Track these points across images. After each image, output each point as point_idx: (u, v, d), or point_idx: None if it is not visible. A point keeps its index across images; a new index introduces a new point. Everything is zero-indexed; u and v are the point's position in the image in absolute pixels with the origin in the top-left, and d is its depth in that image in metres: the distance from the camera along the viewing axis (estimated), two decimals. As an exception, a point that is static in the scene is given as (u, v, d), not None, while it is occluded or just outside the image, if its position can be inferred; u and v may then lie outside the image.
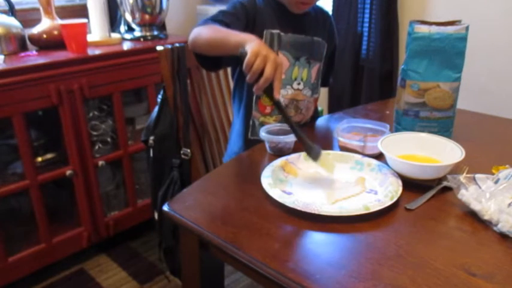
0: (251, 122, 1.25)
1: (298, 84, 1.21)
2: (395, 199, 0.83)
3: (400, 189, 0.86)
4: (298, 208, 0.80)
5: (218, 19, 1.09)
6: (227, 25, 1.07)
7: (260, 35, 1.15)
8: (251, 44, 0.88)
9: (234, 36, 0.97)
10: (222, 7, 1.16)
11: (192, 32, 1.07)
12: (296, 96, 1.23)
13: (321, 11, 1.30)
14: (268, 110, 1.23)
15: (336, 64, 1.39)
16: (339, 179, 0.95)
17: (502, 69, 1.69)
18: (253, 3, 1.17)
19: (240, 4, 1.15)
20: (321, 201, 0.85)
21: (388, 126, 1.10)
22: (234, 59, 0.98)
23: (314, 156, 0.92)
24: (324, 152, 0.93)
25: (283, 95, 1.21)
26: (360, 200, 0.86)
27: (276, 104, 0.91)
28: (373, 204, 0.81)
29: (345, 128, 1.12)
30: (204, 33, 1.05)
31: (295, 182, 0.94)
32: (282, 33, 1.17)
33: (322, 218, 0.79)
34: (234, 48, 0.93)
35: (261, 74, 0.85)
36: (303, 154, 0.99)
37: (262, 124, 1.23)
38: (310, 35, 1.21)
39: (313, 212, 0.79)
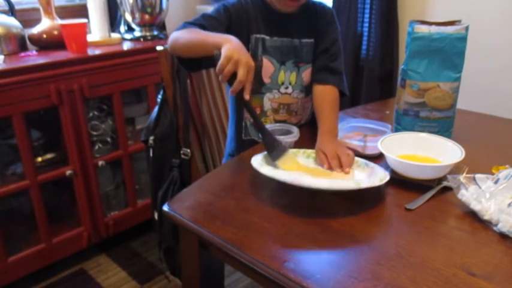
0: (243, 123, 1.25)
1: (286, 88, 1.20)
2: (384, 181, 0.85)
3: (388, 176, 0.88)
4: (289, 181, 0.81)
5: (198, 22, 1.10)
6: (206, 28, 1.08)
7: (245, 39, 1.14)
8: (225, 47, 0.90)
9: (211, 37, 0.99)
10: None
11: (171, 36, 1.08)
12: (285, 99, 1.21)
13: (314, 8, 1.21)
14: (258, 111, 1.22)
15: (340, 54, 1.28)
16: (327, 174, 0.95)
17: (502, 69, 1.69)
18: (239, 7, 1.15)
19: (224, 8, 1.14)
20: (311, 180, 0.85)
21: (389, 126, 1.10)
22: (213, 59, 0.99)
23: (273, 156, 0.94)
24: (288, 153, 0.95)
25: (270, 98, 1.20)
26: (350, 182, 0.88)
27: (245, 104, 0.94)
28: (364, 182, 0.84)
29: (345, 128, 1.12)
30: (182, 36, 1.05)
31: (285, 171, 0.93)
32: (267, 37, 1.16)
33: (322, 217, 0.79)
34: (210, 50, 0.94)
35: (234, 76, 0.89)
36: (295, 151, 1.01)
37: (253, 125, 1.23)
38: (298, 38, 1.18)
39: (303, 185, 0.80)
